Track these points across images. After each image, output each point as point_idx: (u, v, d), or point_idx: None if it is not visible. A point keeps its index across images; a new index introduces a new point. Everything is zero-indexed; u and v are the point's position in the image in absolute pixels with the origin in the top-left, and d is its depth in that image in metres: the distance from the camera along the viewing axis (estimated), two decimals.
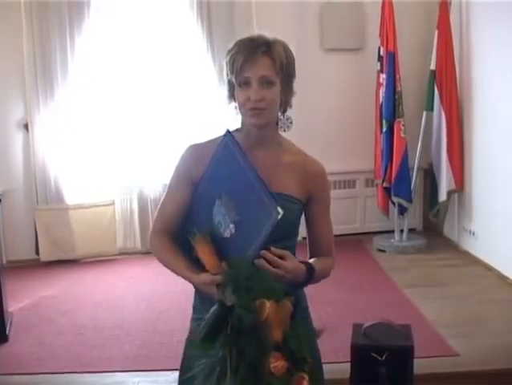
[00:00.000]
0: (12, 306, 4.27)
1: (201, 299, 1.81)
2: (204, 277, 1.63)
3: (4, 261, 5.34)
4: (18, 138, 5.52)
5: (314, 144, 5.45)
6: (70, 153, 5.50)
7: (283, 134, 1.86)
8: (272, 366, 1.44)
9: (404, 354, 1.98)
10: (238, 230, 1.65)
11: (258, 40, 1.74)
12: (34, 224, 5.52)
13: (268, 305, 1.46)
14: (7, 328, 3.96)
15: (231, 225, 1.66)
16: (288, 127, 1.82)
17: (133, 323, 4.14)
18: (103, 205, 5.59)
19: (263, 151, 1.80)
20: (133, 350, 3.74)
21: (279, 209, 1.56)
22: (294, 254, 1.83)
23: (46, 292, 4.81)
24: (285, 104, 1.79)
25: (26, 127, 5.45)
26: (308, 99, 5.66)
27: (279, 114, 1.80)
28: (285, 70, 1.74)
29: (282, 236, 1.73)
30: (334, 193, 5.80)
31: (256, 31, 5.51)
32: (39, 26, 5.27)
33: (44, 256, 5.50)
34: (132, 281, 5.02)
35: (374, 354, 1.98)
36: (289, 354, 1.48)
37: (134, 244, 5.70)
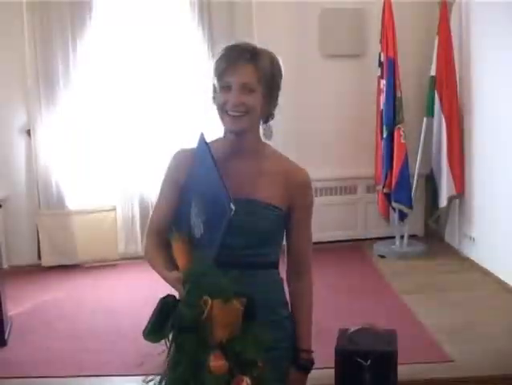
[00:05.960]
0: (12, 311, 4.29)
1: None
2: (174, 274, 1.65)
3: (6, 266, 5.40)
4: (20, 144, 5.55)
5: (315, 151, 5.59)
6: (71, 159, 5.53)
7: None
8: (211, 364, 1.46)
9: (387, 360, 2.00)
10: (206, 229, 1.68)
11: (244, 47, 1.74)
12: (37, 230, 5.55)
13: (210, 303, 1.47)
14: (6, 333, 3.99)
15: (201, 225, 1.69)
16: (269, 135, 1.82)
17: (131, 328, 4.13)
18: (105, 210, 5.61)
19: (242, 159, 1.80)
20: (130, 354, 3.75)
21: (232, 206, 1.57)
22: (274, 263, 1.85)
23: (47, 297, 4.83)
24: (266, 115, 1.79)
25: (28, 132, 5.49)
26: (309, 105, 5.69)
27: (261, 124, 1.80)
28: (268, 80, 1.73)
29: (256, 242, 1.76)
30: (335, 199, 5.84)
31: (256, 36, 5.53)
32: (40, 30, 5.29)
33: (46, 261, 5.52)
34: (132, 286, 5.03)
35: (359, 359, 1.98)
36: (233, 355, 1.49)
37: (135, 249, 5.69)
